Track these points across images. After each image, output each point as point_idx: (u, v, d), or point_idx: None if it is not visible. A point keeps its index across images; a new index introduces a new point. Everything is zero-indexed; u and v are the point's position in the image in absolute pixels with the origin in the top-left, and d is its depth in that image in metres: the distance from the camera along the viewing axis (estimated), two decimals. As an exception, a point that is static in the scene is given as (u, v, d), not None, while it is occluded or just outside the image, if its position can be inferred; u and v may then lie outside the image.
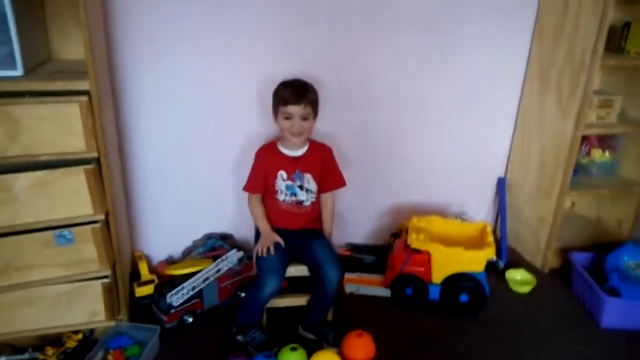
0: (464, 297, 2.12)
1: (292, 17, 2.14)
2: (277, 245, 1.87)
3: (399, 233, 2.47)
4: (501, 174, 2.71)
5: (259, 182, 1.97)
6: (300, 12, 2.14)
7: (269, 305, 1.93)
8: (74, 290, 1.76)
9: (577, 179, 2.41)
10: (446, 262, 2.12)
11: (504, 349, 1.97)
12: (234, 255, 2.11)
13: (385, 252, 2.41)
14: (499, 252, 2.56)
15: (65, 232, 1.67)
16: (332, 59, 2.25)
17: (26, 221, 1.64)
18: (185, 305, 2.00)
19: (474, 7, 2.32)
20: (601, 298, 2.08)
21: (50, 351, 1.77)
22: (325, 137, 2.12)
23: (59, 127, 1.59)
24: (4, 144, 1.56)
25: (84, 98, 1.58)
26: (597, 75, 2.57)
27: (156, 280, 2.10)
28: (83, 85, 1.58)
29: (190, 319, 2.03)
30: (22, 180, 1.59)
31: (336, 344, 1.89)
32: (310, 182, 1.96)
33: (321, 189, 2.03)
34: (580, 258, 2.34)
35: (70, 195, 1.65)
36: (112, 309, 1.85)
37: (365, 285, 2.28)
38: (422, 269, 2.15)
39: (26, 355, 1.77)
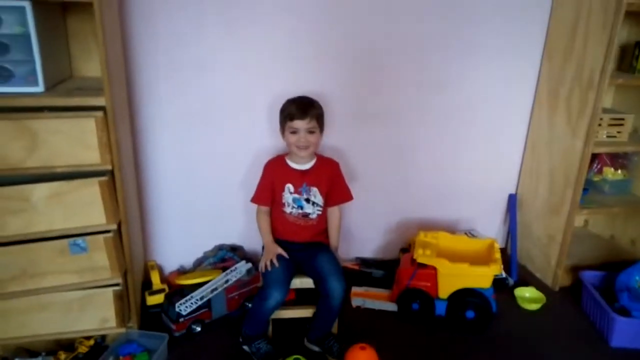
0: (470, 313, 2.12)
1: (301, 36, 2.21)
2: (280, 257, 1.92)
3: (408, 248, 2.48)
4: (511, 190, 2.72)
5: (267, 194, 2.03)
6: (309, 31, 2.21)
7: (274, 316, 1.96)
8: (86, 297, 1.82)
9: (588, 197, 2.41)
10: (452, 278, 2.12)
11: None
12: (242, 267, 2.15)
13: (394, 266, 2.41)
14: (508, 269, 2.56)
15: (79, 240, 1.74)
16: (341, 76, 2.30)
17: (42, 229, 1.71)
18: (194, 314, 2.04)
19: (485, 27, 2.37)
20: (611, 317, 2.06)
21: (62, 355, 1.83)
22: (334, 153, 2.17)
23: (75, 140, 1.67)
24: (23, 156, 1.64)
25: (100, 113, 1.66)
26: (609, 94, 2.60)
27: (167, 290, 2.16)
28: (99, 101, 1.66)
29: (199, 328, 2.07)
30: (40, 190, 1.67)
31: (340, 356, 1.91)
32: (316, 195, 2.01)
33: (328, 203, 2.07)
34: (590, 276, 2.32)
35: (84, 206, 1.72)
36: (122, 316, 1.90)
37: (372, 299, 2.29)
38: (428, 284, 2.16)
39: (39, 358, 1.84)
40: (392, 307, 2.25)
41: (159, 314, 2.11)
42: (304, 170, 2.01)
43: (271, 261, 1.90)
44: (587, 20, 2.18)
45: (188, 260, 2.40)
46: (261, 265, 1.93)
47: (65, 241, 1.73)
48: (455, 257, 2.15)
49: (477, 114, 2.52)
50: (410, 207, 2.62)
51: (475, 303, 2.11)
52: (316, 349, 1.99)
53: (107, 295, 1.84)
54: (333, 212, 2.10)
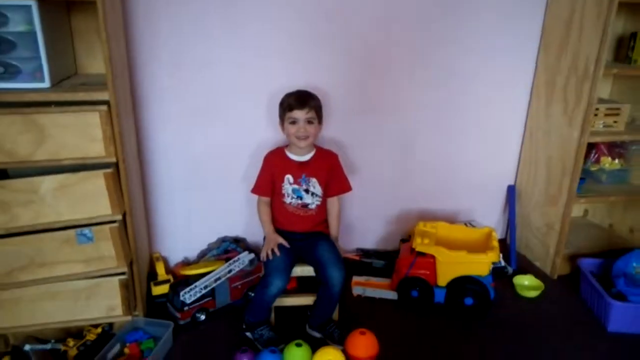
0: (468, 300, 2.16)
1: (302, 33, 2.25)
2: (281, 246, 1.97)
3: (408, 239, 2.52)
4: (510, 181, 2.75)
5: (267, 185, 2.08)
6: (310, 28, 2.25)
7: (276, 304, 2.02)
8: (93, 286, 1.89)
9: (585, 186, 2.43)
10: (451, 265, 2.16)
11: (509, 352, 2.00)
12: (245, 257, 2.21)
13: (395, 257, 2.45)
14: (508, 259, 2.59)
15: (85, 230, 1.80)
16: (341, 71, 2.35)
17: (50, 220, 1.77)
18: (198, 303, 2.10)
19: (482, 20, 2.40)
20: (608, 302, 2.09)
21: (71, 342, 1.89)
22: (334, 146, 2.22)
23: (80, 134, 1.73)
24: (31, 150, 1.70)
25: (104, 107, 1.71)
26: (607, 86, 2.63)
27: (172, 280, 2.22)
28: (103, 95, 1.72)
29: (203, 317, 2.13)
30: (48, 182, 1.73)
31: (341, 341, 1.95)
32: (315, 186, 2.06)
33: (327, 194, 2.12)
34: (588, 264, 2.35)
35: (90, 197, 1.78)
36: (128, 305, 1.96)
37: (373, 288, 2.34)
38: (427, 272, 2.20)
39: (49, 345, 1.90)
40: (392, 295, 2.29)
41: (164, 304, 2.17)
42: (303, 161, 2.06)
43: (272, 250, 1.95)
44: (582, 11, 2.21)
45: (192, 253, 2.46)
46: (263, 254, 1.99)
47: (72, 231, 1.79)
48: (453, 246, 2.19)
49: (475, 106, 2.55)
50: (411, 199, 2.66)
51: (474, 290, 2.15)
52: (317, 335, 2.04)
53: (114, 284, 1.90)
54: (332, 202, 2.15)
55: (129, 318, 1.97)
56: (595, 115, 2.30)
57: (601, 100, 2.38)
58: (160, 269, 2.25)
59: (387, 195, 2.63)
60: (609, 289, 2.17)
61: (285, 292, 2.00)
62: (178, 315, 2.07)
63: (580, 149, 2.28)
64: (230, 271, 2.16)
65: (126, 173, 1.84)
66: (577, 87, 2.27)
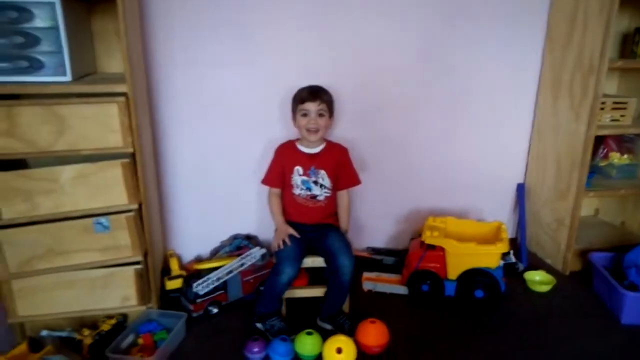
0: (479, 293, 2.16)
1: (311, 34, 2.33)
2: (292, 236, 2.01)
3: (418, 237, 2.53)
4: (519, 179, 2.77)
5: (277, 177, 2.13)
6: (319, 29, 2.33)
7: (287, 295, 2.04)
8: (109, 275, 1.93)
9: (594, 181, 2.45)
10: (460, 258, 2.17)
11: (522, 345, 1.99)
12: (257, 252, 2.24)
13: (405, 254, 2.47)
14: (518, 257, 2.59)
15: (102, 219, 1.86)
16: (352, 70, 2.40)
17: (68, 209, 1.83)
18: (211, 295, 2.13)
19: (489, 17, 2.46)
20: (621, 293, 2.08)
21: (86, 332, 1.92)
22: (345, 144, 2.25)
23: (99, 125, 1.79)
24: (52, 140, 1.77)
25: (122, 98, 1.79)
26: (613, 81, 2.67)
27: (185, 275, 2.25)
28: (121, 87, 1.79)
29: (215, 310, 2.15)
30: (67, 172, 1.80)
31: (351, 333, 1.96)
32: (324, 178, 2.10)
33: (337, 187, 2.16)
34: (600, 257, 2.34)
35: (107, 186, 1.85)
36: (143, 295, 2.00)
37: (383, 283, 2.35)
38: (437, 265, 2.21)
39: (65, 333, 1.93)
40: (402, 290, 2.30)
41: (178, 299, 2.20)
42: (312, 153, 2.11)
43: (283, 240, 1.99)
44: (586, 7, 2.26)
45: (205, 250, 2.49)
46: (274, 245, 2.02)
47: (89, 220, 1.85)
48: (463, 240, 2.20)
49: (484, 104, 2.60)
50: (420, 198, 2.69)
51: (484, 282, 2.15)
52: (328, 327, 2.05)
53: (129, 274, 1.94)
54: (342, 196, 2.18)
55: (143, 308, 2.01)
56: (602, 109, 2.33)
57: (608, 96, 2.41)
58: (174, 265, 2.29)
59: (397, 195, 2.66)
60: (621, 282, 2.16)
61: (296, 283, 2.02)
62: (191, 307, 2.10)
63: (588, 142, 2.30)
64: (242, 265, 2.19)
65: (143, 163, 1.90)
66: (582, 82, 2.31)
